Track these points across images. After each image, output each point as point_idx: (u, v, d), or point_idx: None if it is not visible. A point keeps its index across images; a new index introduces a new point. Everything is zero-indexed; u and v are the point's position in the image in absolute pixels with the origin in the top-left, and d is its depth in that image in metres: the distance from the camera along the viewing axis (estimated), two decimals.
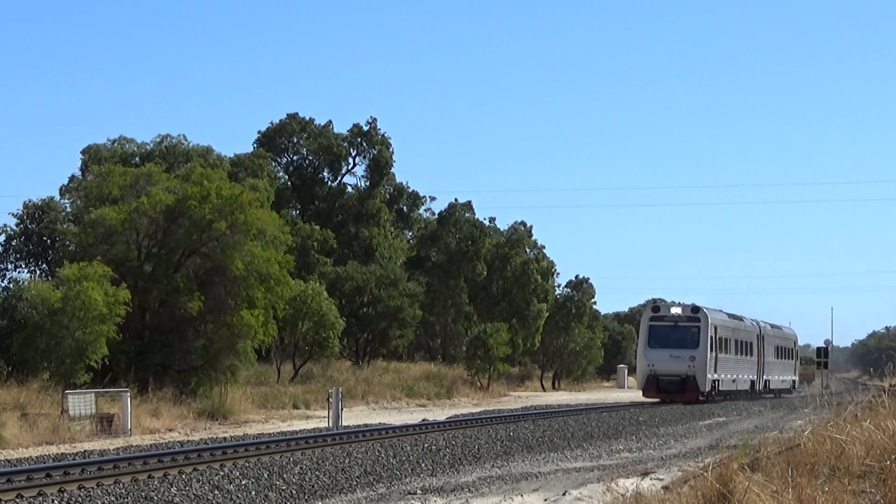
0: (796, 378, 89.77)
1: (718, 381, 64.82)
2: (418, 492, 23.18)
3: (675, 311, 63.21)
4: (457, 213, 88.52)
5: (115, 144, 72.61)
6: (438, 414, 50.78)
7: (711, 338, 62.83)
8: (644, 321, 64.46)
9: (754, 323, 75.43)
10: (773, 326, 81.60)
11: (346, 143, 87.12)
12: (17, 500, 20.01)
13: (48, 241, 61.06)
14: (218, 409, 43.08)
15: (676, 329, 62.42)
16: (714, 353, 63.50)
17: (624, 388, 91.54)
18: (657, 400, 62.01)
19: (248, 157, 78.61)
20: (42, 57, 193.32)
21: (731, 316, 69.62)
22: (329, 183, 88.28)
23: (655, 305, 67.41)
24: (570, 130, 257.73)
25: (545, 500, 21.66)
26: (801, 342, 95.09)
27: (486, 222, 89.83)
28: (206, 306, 47.04)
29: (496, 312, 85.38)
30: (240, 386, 49.20)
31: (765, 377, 76.57)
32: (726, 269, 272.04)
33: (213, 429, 39.51)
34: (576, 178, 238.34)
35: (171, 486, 21.74)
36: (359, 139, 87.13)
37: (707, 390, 62.44)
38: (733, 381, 68.37)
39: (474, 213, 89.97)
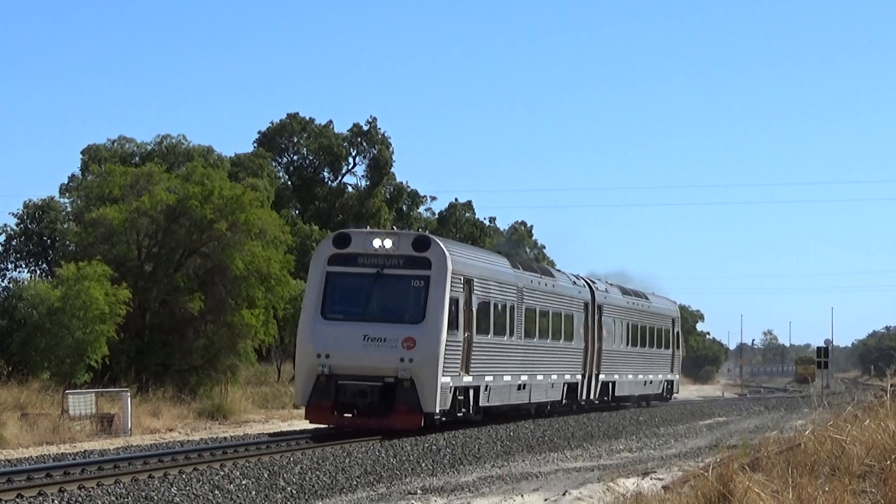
0: (675, 377, 58.55)
1: (477, 388, 34.50)
2: (418, 492, 23.17)
3: (381, 244, 31.91)
4: (457, 213, 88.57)
5: (116, 144, 72.62)
6: None
7: (455, 301, 32.34)
8: (317, 265, 32.34)
9: (579, 282, 44.48)
10: (626, 292, 50.87)
11: (346, 143, 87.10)
12: (18, 500, 20.00)
13: (48, 240, 61.03)
14: (218, 409, 43.10)
15: (381, 282, 31.85)
16: (464, 332, 33.06)
17: None
18: (327, 426, 32.59)
19: (248, 157, 78.61)
20: (42, 57, 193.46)
21: (520, 266, 39.24)
22: (329, 183, 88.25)
23: (341, 234, 33.10)
24: (571, 130, 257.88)
25: (545, 500, 21.65)
26: (798, 341, 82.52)
27: (486, 222, 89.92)
28: (206, 306, 47.10)
29: None
30: (240, 386, 49.26)
31: (602, 377, 46.11)
32: (726, 269, 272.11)
33: (213, 429, 39.52)
34: (576, 178, 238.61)
35: (172, 486, 21.73)
36: (359, 139, 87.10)
37: (443, 408, 31.99)
38: (520, 386, 37.73)
39: (474, 213, 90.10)
